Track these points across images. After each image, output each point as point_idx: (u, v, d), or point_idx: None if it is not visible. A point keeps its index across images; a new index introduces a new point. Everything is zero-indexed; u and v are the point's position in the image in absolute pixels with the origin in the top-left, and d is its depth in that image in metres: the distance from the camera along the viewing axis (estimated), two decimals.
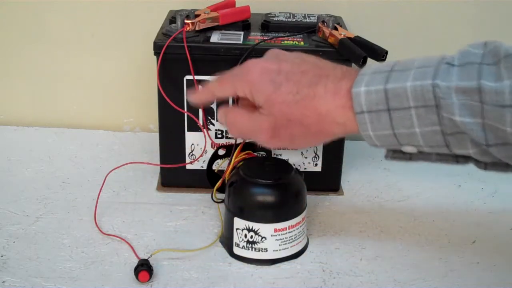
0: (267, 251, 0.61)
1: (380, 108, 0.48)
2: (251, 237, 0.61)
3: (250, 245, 0.61)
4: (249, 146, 0.69)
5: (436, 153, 0.50)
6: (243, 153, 0.66)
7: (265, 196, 0.60)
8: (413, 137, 0.48)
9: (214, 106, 0.70)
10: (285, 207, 0.61)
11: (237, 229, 0.61)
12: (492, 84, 0.44)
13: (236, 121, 0.57)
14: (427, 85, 0.46)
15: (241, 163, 0.65)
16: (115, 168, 0.71)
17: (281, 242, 0.61)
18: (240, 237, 0.61)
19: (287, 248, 0.62)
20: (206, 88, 0.61)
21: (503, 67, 0.44)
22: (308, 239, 0.65)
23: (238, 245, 0.62)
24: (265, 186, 0.61)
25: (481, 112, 0.44)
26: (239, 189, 0.61)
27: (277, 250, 0.61)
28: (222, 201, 0.65)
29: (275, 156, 0.72)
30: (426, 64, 0.48)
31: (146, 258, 0.59)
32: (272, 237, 0.61)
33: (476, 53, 0.47)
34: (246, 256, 0.61)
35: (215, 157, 0.71)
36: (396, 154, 0.52)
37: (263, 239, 0.61)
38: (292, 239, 0.61)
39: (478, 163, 0.49)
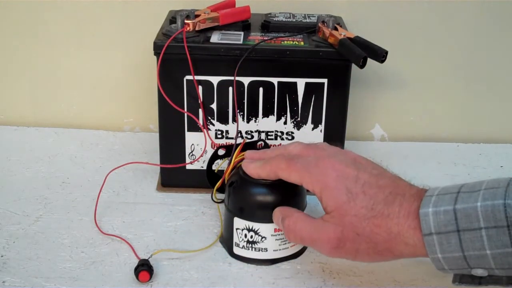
0: (267, 251, 0.61)
1: (449, 230, 0.47)
2: (251, 237, 0.61)
3: (250, 245, 0.61)
4: (249, 146, 0.69)
5: (507, 276, 0.48)
6: (243, 153, 0.66)
7: (265, 196, 0.60)
8: (484, 259, 0.46)
9: (214, 106, 0.71)
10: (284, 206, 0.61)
11: (237, 229, 0.61)
12: None
13: (297, 227, 0.55)
14: (498, 204, 0.45)
15: (241, 163, 0.65)
16: (115, 168, 0.71)
17: (281, 242, 0.61)
18: (240, 237, 0.61)
19: (287, 248, 0.62)
20: (268, 165, 0.58)
21: None
22: None
23: (238, 245, 0.62)
24: (265, 186, 0.61)
25: None
26: (239, 189, 0.61)
27: (277, 250, 0.61)
28: (222, 201, 0.65)
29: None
30: (495, 185, 0.47)
31: (146, 258, 0.59)
32: (272, 237, 0.61)
33: None
34: (246, 256, 0.61)
35: (215, 157, 0.71)
36: (465, 278, 0.50)
37: (263, 239, 0.61)
38: None
39: None
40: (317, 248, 0.54)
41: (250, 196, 0.61)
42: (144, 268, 0.58)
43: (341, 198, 0.52)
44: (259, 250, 0.61)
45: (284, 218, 0.57)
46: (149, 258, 0.59)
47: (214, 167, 0.72)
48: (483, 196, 0.46)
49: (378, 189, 0.52)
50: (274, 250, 0.61)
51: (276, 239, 0.61)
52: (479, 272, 0.48)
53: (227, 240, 0.63)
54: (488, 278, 0.49)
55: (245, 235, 0.61)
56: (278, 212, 0.58)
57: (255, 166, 0.59)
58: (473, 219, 0.46)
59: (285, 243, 0.61)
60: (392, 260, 0.53)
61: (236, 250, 0.62)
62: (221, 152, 0.71)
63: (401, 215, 0.50)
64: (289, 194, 0.61)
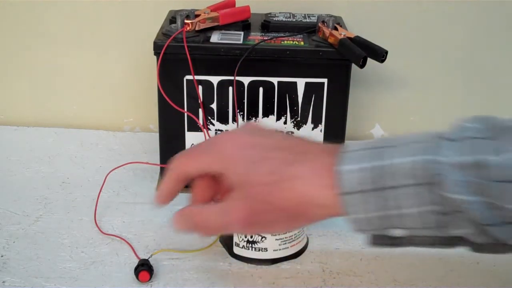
0: (267, 250, 0.61)
1: (368, 188, 0.43)
2: (251, 236, 0.61)
3: (250, 245, 0.61)
4: None
5: (426, 236, 0.45)
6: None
7: None
8: (403, 219, 0.43)
9: (214, 106, 0.71)
10: None
11: None
12: (494, 158, 0.40)
13: (205, 219, 0.49)
14: (422, 161, 0.42)
15: None
16: (115, 168, 0.71)
17: (281, 241, 0.61)
18: (240, 237, 0.61)
19: (287, 247, 0.62)
20: (170, 173, 0.51)
21: (503, 140, 0.41)
22: (308, 239, 0.65)
23: (238, 245, 0.62)
24: None
25: (483, 189, 0.40)
26: None
27: (277, 250, 0.61)
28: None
29: None
30: (420, 139, 0.43)
31: (146, 258, 0.59)
32: (272, 236, 0.61)
33: (471, 127, 0.43)
34: (246, 255, 0.61)
35: None
36: (382, 240, 0.47)
37: (263, 238, 0.61)
38: (292, 238, 0.61)
39: (470, 244, 0.45)
40: (230, 230, 0.51)
41: None
42: (144, 268, 0.58)
43: (241, 169, 0.47)
44: (259, 250, 0.61)
45: (192, 215, 0.51)
46: (149, 258, 0.59)
47: None
48: (407, 152, 0.43)
49: (281, 151, 0.47)
50: (274, 250, 0.61)
51: (276, 239, 0.61)
52: (398, 232, 0.45)
53: (227, 240, 0.63)
54: (407, 238, 0.46)
55: (245, 235, 0.61)
56: (180, 214, 0.51)
57: (164, 182, 0.52)
58: (396, 177, 0.42)
59: (285, 243, 0.61)
60: (308, 224, 0.49)
61: (236, 250, 0.62)
62: None
63: (311, 174, 0.45)
64: None
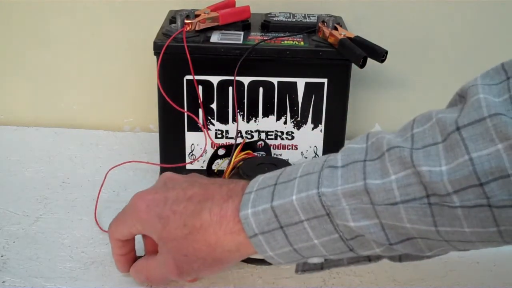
0: None
1: (273, 228, 0.45)
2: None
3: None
4: (249, 146, 0.69)
5: (345, 257, 0.48)
6: (243, 153, 0.66)
7: None
8: (315, 249, 0.45)
9: (214, 106, 0.71)
10: None
11: None
12: (378, 181, 0.41)
13: (150, 273, 0.53)
14: (312, 195, 0.43)
15: (240, 163, 0.65)
16: (115, 166, 0.71)
17: None
18: None
19: None
20: (111, 241, 0.55)
21: (387, 161, 0.42)
22: None
23: None
24: None
25: (374, 213, 0.42)
26: None
27: None
28: None
29: (275, 156, 0.72)
30: (309, 171, 0.45)
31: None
32: None
33: (359, 148, 0.44)
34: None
35: (215, 157, 0.71)
36: (307, 266, 0.50)
37: None
38: None
39: (391, 257, 0.48)
40: (174, 279, 0.53)
41: None
42: None
43: (156, 226, 0.50)
44: None
45: (138, 270, 0.55)
46: None
47: (214, 167, 0.72)
48: (298, 187, 0.44)
49: (186, 202, 0.49)
50: None
51: None
52: (314, 260, 0.48)
53: None
54: (329, 261, 0.49)
55: None
56: (133, 271, 0.56)
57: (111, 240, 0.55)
58: (292, 213, 0.44)
59: None
60: (229, 266, 0.52)
61: None
62: (221, 152, 0.71)
63: (213, 222, 0.47)
64: None
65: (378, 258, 0.49)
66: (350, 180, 0.43)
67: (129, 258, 0.56)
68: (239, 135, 0.71)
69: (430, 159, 0.40)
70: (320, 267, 0.50)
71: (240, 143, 0.67)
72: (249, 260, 0.61)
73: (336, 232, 0.44)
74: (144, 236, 0.55)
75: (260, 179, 0.48)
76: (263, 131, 0.72)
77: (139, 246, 0.57)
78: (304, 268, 0.51)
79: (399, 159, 0.41)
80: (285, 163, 0.65)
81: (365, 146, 0.44)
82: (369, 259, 0.49)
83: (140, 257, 0.57)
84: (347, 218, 0.43)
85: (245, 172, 0.62)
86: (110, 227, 0.55)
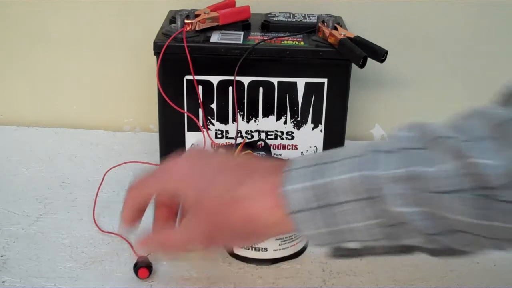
0: (267, 250, 0.61)
1: (313, 206, 0.44)
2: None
3: (250, 245, 0.61)
4: (249, 146, 0.69)
5: (382, 245, 0.47)
6: (243, 153, 0.66)
7: None
8: (352, 232, 0.44)
9: (214, 106, 0.71)
10: None
11: None
12: (428, 169, 0.40)
13: (167, 238, 0.52)
14: (360, 176, 0.42)
15: None
16: (114, 167, 0.71)
17: (281, 241, 0.61)
18: None
19: (287, 247, 0.62)
20: (131, 193, 0.53)
21: (437, 150, 0.41)
22: (308, 240, 0.65)
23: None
24: None
25: (420, 200, 0.41)
26: None
27: (277, 250, 0.61)
28: None
29: (274, 156, 0.72)
30: (354, 154, 0.44)
31: (145, 255, 0.59)
32: None
33: (404, 137, 0.43)
34: (246, 256, 0.61)
35: None
36: (341, 251, 0.49)
37: None
38: (292, 238, 0.61)
39: (426, 250, 0.46)
40: (194, 247, 0.52)
41: None
42: (143, 265, 0.58)
43: (193, 193, 0.49)
44: (259, 250, 0.61)
45: (154, 238, 0.53)
46: (147, 255, 0.59)
47: None
48: (340, 168, 0.44)
49: (228, 173, 0.49)
50: (274, 250, 0.61)
51: (276, 239, 0.61)
52: (351, 245, 0.47)
53: None
54: (364, 249, 0.48)
55: None
56: (145, 240, 0.53)
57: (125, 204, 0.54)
58: (334, 194, 0.43)
59: (285, 243, 0.61)
60: (262, 241, 0.51)
61: (236, 250, 0.62)
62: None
63: (258, 195, 0.46)
64: None
65: (412, 249, 0.47)
66: (397, 165, 0.42)
67: (138, 216, 0.54)
68: (239, 135, 0.71)
69: (483, 151, 0.39)
70: (356, 253, 0.49)
71: (240, 143, 0.67)
72: (249, 260, 0.61)
73: (376, 217, 0.43)
74: (158, 205, 0.53)
75: (301, 157, 0.47)
76: (263, 131, 0.72)
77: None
78: (339, 253, 0.49)
79: (450, 148, 0.40)
80: None
81: (411, 135, 0.43)
82: (404, 251, 0.48)
83: None
84: (390, 203, 0.42)
85: None
86: (135, 182, 0.53)
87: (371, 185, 0.42)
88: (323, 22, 0.72)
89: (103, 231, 0.65)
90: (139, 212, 0.53)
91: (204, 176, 0.49)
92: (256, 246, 0.61)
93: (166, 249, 0.53)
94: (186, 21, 0.68)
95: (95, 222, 0.66)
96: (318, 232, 0.45)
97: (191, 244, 0.50)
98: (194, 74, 0.68)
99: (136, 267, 0.58)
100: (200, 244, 0.50)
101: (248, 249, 0.61)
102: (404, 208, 0.41)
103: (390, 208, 0.42)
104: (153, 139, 0.80)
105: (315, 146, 0.73)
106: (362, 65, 0.64)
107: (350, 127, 0.75)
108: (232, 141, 0.71)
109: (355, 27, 0.77)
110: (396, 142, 0.43)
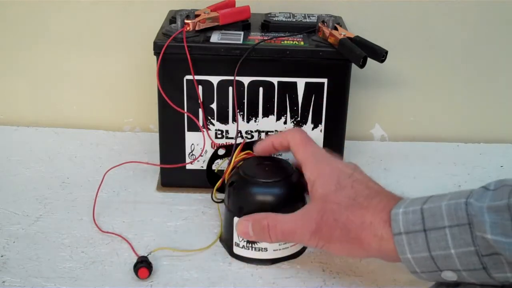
0: (267, 250, 0.61)
1: (417, 229, 0.49)
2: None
3: (250, 245, 0.61)
4: (249, 146, 0.69)
5: (479, 284, 0.49)
6: (243, 153, 0.66)
7: (265, 196, 0.60)
8: (450, 259, 0.48)
9: (214, 106, 0.71)
10: (285, 206, 0.60)
11: None
12: None
13: (278, 223, 0.58)
14: (460, 203, 0.47)
15: (240, 163, 0.65)
16: (114, 167, 0.71)
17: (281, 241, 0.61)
18: (240, 237, 0.61)
19: (287, 247, 0.62)
20: (284, 133, 0.63)
21: None
22: None
23: (238, 245, 0.62)
24: (265, 185, 0.61)
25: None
26: (239, 188, 0.61)
27: (277, 250, 0.61)
28: (222, 201, 0.65)
29: (275, 156, 0.72)
30: (463, 190, 0.49)
31: (145, 255, 0.59)
32: None
33: (510, 179, 0.47)
34: (246, 255, 0.61)
35: (215, 157, 0.71)
36: (439, 287, 0.52)
37: None
38: None
39: None
40: (296, 237, 0.57)
41: (250, 196, 0.61)
42: (143, 265, 0.58)
43: (330, 187, 0.55)
44: (259, 250, 0.61)
45: (260, 220, 0.58)
46: (148, 255, 0.59)
47: (214, 167, 0.72)
48: (450, 197, 0.49)
49: (365, 186, 0.55)
50: (274, 250, 0.61)
51: None
52: (448, 275, 0.49)
53: (227, 240, 0.63)
54: (460, 286, 0.50)
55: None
56: (248, 218, 0.59)
57: (271, 135, 0.64)
58: (438, 218, 0.48)
59: (285, 243, 0.61)
60: (360, 255, 0.55)
61: (236, 250, 0.62)
62: (221, 152, 0.71)
63: (377, 209, 0.52)
64: (289, 193, 0.61)
65: None
66: (497, 198, 0.46)
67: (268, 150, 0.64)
68: (239, 135, 0.71)
69: None
70: (453, 286, 0.51)
71: (240, 143, 0.67)
72: (249, 260, 0.61)
73: (473, 244, 0.46)
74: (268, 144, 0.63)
75: (411, 198, 0.52)
76: (263, 131, 0.72)
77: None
78: (437, 287, 0.52)
79: None
80: (285, 163, 0.65)
81: None
82: None
83: None
84: (486, 230, 0.45)
85: (244, 171, 0.62)
86: (292, 136, 0.62)
87: (472, 211, 0.46)
88: (323, 22, 0.72)
89: (103, 231, 0.65)
90: (273, 148, 0.63)
91: (344, 181, 0.56)
92: (256, 246, 0.61)
93: (270, 231, 0.58)
94: (186, 21, 0.68)
95: (95, 222, 0.66)
96: (419, 256, 0.49)
97: (297, 234, 0.56)
98: (194, 74, 0.68)
99: (136, 267, 0.58)
100: (307, 235, 0.55)
101: (248, 249, 0.61)
102: (497, 237, 0.44)
103: (484, 235, 0.45)
104: (153, 139, 0.80)
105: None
106: (362, 65, 0.64)
107: (350, 127, 0.75)
108: (232, 141, 0.71)
109: (355, 27, 0.77)
110: (503, 181, 0.47)
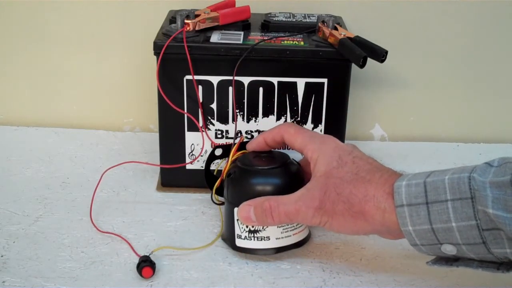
0: (269, 239, 0.61)
1: (419, 202, 0.49)
2: (252, 226, 0.60)
3: (252, 235, 0.61)
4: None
5: (478, 260, 0.50)
6: (240, 152, 0.66)
7: (264, 184, 0.60)
8: (450, 232, 0.48)
9: (214, 106, 0.71)
10: (284, 192, 0.60)
11: (238, 219, 0.61)
12: None
13: (280, 204, 0.57)
14: (463, 177, 0.47)
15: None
16: (114, 166, 0.71)
17: (283, 229, 0.61)
18: (242, 228, 0.61)
19: (290, 236, 0.61)
20: (277, 128, 0.63)
21: None
22: (310, 231, 0.65)
23: (240, 237, 0.61)
24: (263, 173, 0.60)
25: None
26: (236, 179, 0.61)
27: (279, 238, 0.61)
28: (222, 203, 0.65)
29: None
30: (466, 166, 0.50)
31: (147, 254, 0.59)
32: None
33: None
34: (249, 247, 0.61)
35: (212, 157, 0.71)
36: (439, 261, 0.52)
37: (265, 226, 0.60)
38: (294, 226, 0.61)
39: None
40: (300, 216, 0.56)
41: (248, 185, 0.60)
42: (147, 264, 0.58)
43: (332, 164, 0.56)
44: (261, 239, 0.61)
45: (261, 203, 0.58)
46: (150, 254, 0.59)
47: (213, 167, 0.71)
48: (453, 171, 0.49)
49: (366, 162, 0.56)
50: (276, 238, 0.61)
51: (278, 226, 0.60)
52: (448, 248, 0.49)
53: (229, 235, 0.63)
54: (460, 261, 0.51)
55: (246, 225, 0.60)
56: (249, 203, 0.59)
57: (262, 133, 0.64)
58: (441, 191, 0.48)
59: (287, 231, 0.61)
60: (363, 230, 0.54)
61: (239, 242, 0.62)
62: (218, 152, 0.71)
63: (380, 182, 0.53)
64: (287, 179, 0.61)
65: (508, 268, 0.49)
66: (500, 174, 0.46)
67: (261, 146, 0.64)
68: (238, 135, 0.71)
69: None
70: (452, 261, 0.51)
71: (237, 142, 0.67)
72: (252, 251, 0.61)
73: (475, 218, 0.46)
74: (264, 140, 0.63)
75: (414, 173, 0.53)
76: (263, 131, 0.72)
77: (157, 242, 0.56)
78: (437, 262, 0.52)
79: None
80: (281, 154, 0.64)
81: None
82: (498, 266, 0.50)
83: None
84: (488, 205, 0.45)
85: (242, 162, 0.62)
86: (285, 129, 0.62)
87: (475, 185, 0.46)
88: (323, 22, 0.72)
89: (102, 231, 0.65)
90: (267, 145, 0.63)
91: (345, 157, 0.56)
92: (259, 235, 0.60)
93: (272, 212, 0.57)
94: (186, 21, 0.68)
95: (92, 222, 0.66)
96: (420, 228, 0.49)
97: (300, 213, 0.56)
98: (194, 74, 0.68)
99: (140, 267, 0.58)
100: (310, 211, 0.55)
101: (251, 239, 0.61)
102: (498, 212, 0.45)
103: (485, 209, 0.45)
104: (153, 139, 0.80)
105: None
106: (362, 65, 0.64)
107: (350, 127, 0.75)
108: (230, 141, 0.71)
109: (355, 27, 0.77)
110: (506, 159, 0.48)
